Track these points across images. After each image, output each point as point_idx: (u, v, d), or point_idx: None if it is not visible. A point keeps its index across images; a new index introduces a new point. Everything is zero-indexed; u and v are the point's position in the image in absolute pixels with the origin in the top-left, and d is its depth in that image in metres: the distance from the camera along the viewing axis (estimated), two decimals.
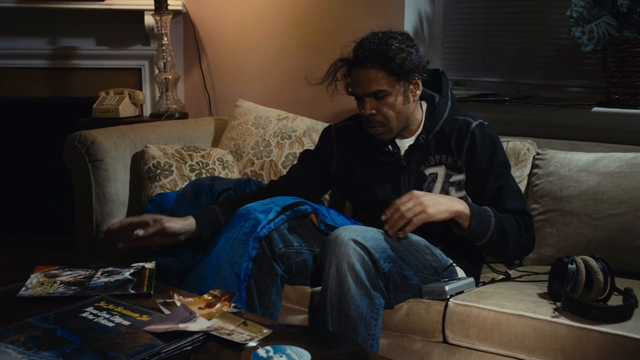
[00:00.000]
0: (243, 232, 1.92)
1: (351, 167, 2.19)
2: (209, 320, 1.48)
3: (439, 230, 2.00)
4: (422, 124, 2.12)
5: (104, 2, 3.39)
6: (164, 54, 3.28)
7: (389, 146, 2.12)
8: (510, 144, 2.38)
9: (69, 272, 1.79)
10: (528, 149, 2.37)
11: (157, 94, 3.45)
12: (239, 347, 1.38)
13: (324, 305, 1.82)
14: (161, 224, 2.00)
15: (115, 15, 3.42)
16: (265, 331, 1.44)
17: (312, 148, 2.35)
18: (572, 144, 2.39)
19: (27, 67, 3.53)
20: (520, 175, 2.33)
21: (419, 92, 2.07)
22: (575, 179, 2.20)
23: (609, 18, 2.36)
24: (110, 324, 1.46)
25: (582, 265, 1.76)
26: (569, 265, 1.75)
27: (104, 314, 1.51)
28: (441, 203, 1.92)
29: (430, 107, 2.13)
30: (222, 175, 2.64)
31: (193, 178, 2.56)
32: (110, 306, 1.55)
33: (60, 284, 1.71)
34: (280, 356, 1.33)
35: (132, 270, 1.81)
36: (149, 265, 1.85)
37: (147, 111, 3.52)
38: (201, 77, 3.51)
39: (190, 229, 2.05)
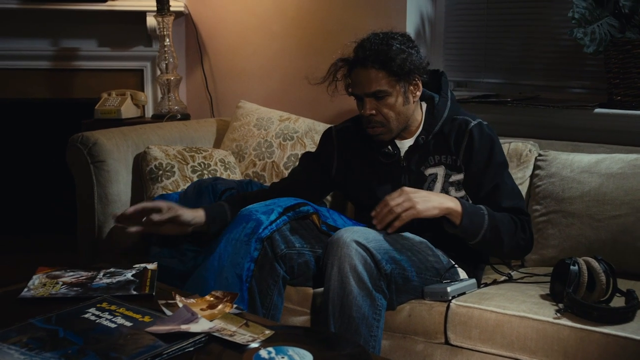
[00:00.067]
0: (245, 233, 1.92)
1: (351, 168, 2.19)
2: (211, 321, 1.48)
3: (441, 232, 1.99)
4: (422, 124, 2.12)
5: (106, 4, 3.40)
6: (166, 55, 3.28)
7: (389, 147, 2.12)
8: (512, 145, 2.38)
9: (71, 273, 1.79)
10: (530, 150, 2.37)
11: (159, 95, 3.45)
12: (241, 348, 1.38)
13: (326, 306, 1.82)
14: (175, 211, 2.02)
15: (117, 16, 3.43)
16: (267, 332, 1.44)
17: (314, 150, 2.35)
18: (574, 145, 2.39)
19: (29, 69, 3.53)
20: (522, 176, 2.33)
21: (419, 93, 2.07)
22: (578, 180, 2.20)
23: (611, 19, 2.36)
24: (113, 325, 1.46)
25: (584, 267, 1.76)
26: (571, 267, 1.75)
27: (106, 315, 1.51)
28: (431, 200, 1.92)
29: (430, 108, 2.13)
30: (224, 176, 2.64)
31: (195, 179, 2.56)
32: (113, 307, 1.55)
33: (62, 285, 1.71)
34: (282, 357, 1.33)
35: (134, 272, 1.81)
36: (151, 266, 1.85)
37: (149, 112, 3.52)
38: (203, 78, 3.51)
39: (199, 222, 2.06)
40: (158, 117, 3.28)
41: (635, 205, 2.08)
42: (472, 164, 2.05)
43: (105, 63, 3.56)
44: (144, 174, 2.60)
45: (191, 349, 1.38)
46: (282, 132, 2.79)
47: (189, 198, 2.33)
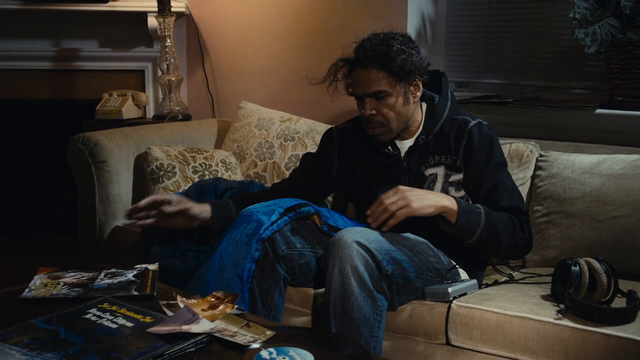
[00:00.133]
0: (246, 234, 1.92)
1: (352, 169, 2.19)
2: (212, 322, 1.48)
3: (439, 232, 1.99)
4: (422, 125, 2.12)
5: (107, 4, 3.40)
6: (167, 56, 3.29)
7: (389, 147, 2.12)
8: (514, 146, 2.38)
9: (72, 274, 1.79)
10: (531, 151, 2.36)
11: (160, 96, 3.45)
12: (242, 348, 1.38)
13: (327, 307, 1.82)
14: (185, 204, 2.06)
15: (118, 17, 3.43)
16: (268, 333, 1.44)
17: (314, 150, 2.35)
18: (575, 146, 2.39)
19: (30, 69, 3.54)
20: (523, 177, 2.33)
21: (419, 94, 2.07)
22: (579, 180, 2.20)
23: (612, 20, 2.36)
24: (114, 326, 1.46)
25: (585, 267, 1.76)
26: (572, 267, 1.75)
27: (107, 316, 1.51)
28: (427, 198, 1.92)
29: (430, 108, 2.13)
30: (225, 177, 2.64)
31: (196, 180, 2.56)
32: (114, 308, 1.55)
33: (63, 286, 1.71)
34: (284, 358, 1.33)
35: (135, 272, 1.81)
36: (152, 266, 1.85)
37: (150, 113, 3.52)
38: (204, 79, 3.51)
39: (205, 217, 2.09)
40: (159, 118, 3.28)
41: (636, 206, 2.08)
42: (471, 164, 2.05)
43: (107, 64, 3.56)
44: (145, 175, 2.60)
45: (192, 349, 1.38)
46: (283, 133, 2.79)
47: (190, 198, 2.33)
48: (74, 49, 3.52)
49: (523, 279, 2.05)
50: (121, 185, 2.61)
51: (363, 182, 2.16)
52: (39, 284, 1.71)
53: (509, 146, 2.36)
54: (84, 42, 3.52)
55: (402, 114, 2.05)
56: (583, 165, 2.23)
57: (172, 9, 3.26)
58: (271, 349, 1.36)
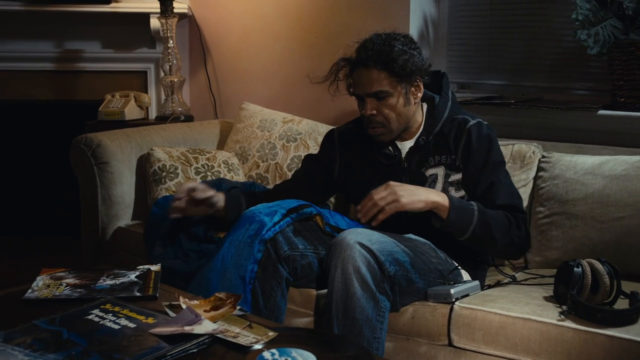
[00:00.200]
0: (248, 235, 1.92)
1: (353, 170, 2.19)
2: (214, 323, 1.48)
3: (444, 234, 1.99)
4: (422, 125, 2.12)
5: (110, 5, 3.40)
6: (170, 57, 3.29)
7: (390, 148, 2.12)
8: (516, 147, 2.37)
9: (75, 275, 1.80)
10: (533, 152, 2.36)
11: (163, 97, 3.46)
12: (245, 349, 1.38)
13: (329, 308, 1.82)
14: (210, 192, 2.09)
15: (121, 18, 3.43)
16: (271, 334, 1.44)
17: (317, 151, 2.35)
18: (578, 147, 2.38)
19: (32, 70, 3.54)
20: (525, 178, 2.33)
21: (420, 95, 2.07)
22: (581, 182, 2.20)
23: (615, 21, 2.36)
24: (116, 327, 1.46)
25: (587, 269, 1.75)
26: (575, 269, 1.75)
27: (110, 317, 1.51)
28: (416, 194, 1.91)
29: (430, 109, 2.13)
30: (228, 177, 2.64)
31: (198, 181, 2.56)
32: (116, 308, 1.55)
33: (66, 287, 1.71)
34: (286, 359, 1.33)
35: (137, 273, 1.81)
36: (155, 267, 1.85)
37: (153, 114, 3.53)
38: (206, 80, 3.51)
39: (220, 206, 2.12)
40: (161, 119, 3.28)
41: (639, 207, 2.08)
42: (470, 163, 2.04)
43: (109, 65, 3.56)
44: (147, 176, 2.61)
45: (194, 350, 1.38)
46: (286, 134, 2.79)
47: None
48: (76, 50, 3.52)
49: (525, 280, 2.05)
50: (124, 186, 2.61)
51: (364, 183, 2.16)
52: (41, 285, 1.72)
53: (512, 147, 2.36)
54: (86, 43, 3.52)
55: (402, 115, 2.05)
56: (585, 167, 2.23)
57: (175, 10, 3.26)
58: (273, 350, 1.36)
